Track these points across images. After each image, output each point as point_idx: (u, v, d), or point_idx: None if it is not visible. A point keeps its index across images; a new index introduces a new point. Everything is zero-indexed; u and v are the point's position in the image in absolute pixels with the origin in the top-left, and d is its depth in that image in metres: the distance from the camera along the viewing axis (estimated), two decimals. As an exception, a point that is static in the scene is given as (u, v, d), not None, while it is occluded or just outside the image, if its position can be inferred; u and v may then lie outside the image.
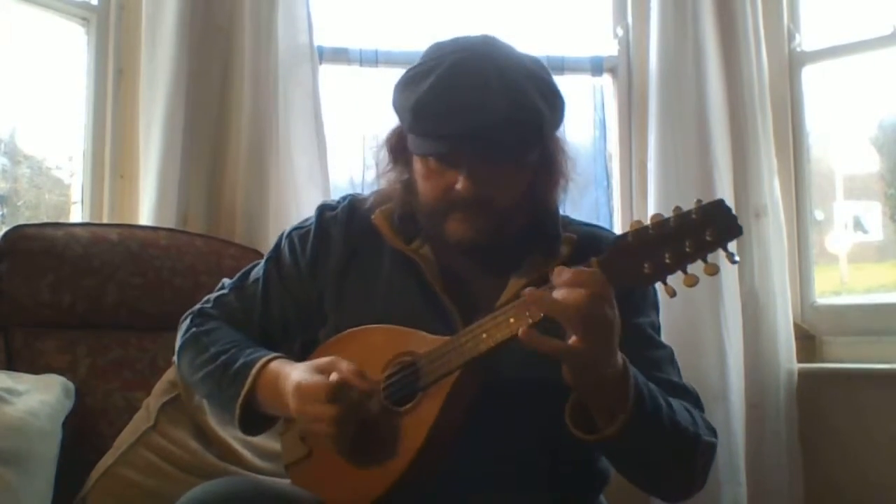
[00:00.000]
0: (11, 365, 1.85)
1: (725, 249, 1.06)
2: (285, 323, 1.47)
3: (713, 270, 1.05)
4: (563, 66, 2.52)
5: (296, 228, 1.49)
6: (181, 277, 2.01)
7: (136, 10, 2.33)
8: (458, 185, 1.25)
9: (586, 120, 2.54)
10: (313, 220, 1.46)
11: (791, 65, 2.56)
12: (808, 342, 2.45)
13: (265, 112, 2.25)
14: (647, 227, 1.08)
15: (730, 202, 2.24)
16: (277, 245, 1.50)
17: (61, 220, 2.28)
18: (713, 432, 1.29)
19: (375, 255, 1.40)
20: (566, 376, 1.13)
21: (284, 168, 2.26)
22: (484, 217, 1.27)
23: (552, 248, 1.32)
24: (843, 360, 2.40)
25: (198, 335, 1.44)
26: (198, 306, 1.51)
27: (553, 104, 1.28)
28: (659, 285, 1.12)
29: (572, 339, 1.08)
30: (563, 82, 2.48)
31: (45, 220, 2.24)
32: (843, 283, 2.69)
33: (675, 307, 2.31)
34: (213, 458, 1.77)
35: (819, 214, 2.61)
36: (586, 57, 2.55)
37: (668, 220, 1.07)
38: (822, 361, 2.43)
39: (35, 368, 1.83)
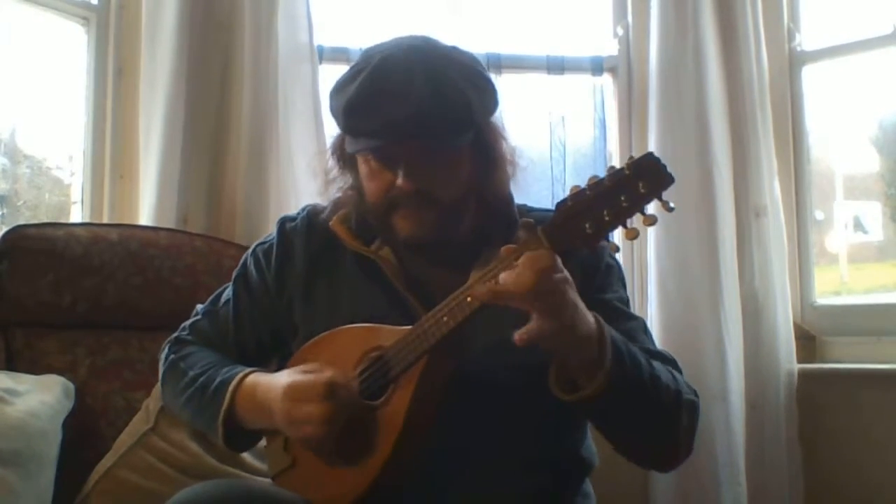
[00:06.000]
0: (11, 365, 1.85)
1: (661, 199, 1.08)
2: (259, 340, 1.48)
3: (651, 221, 1.09)
4: (563, 66, 2.52)
5: (260, 244, 1.51)
6: (181, 277, 2.01)
7: (136, 10, 2.33)
8: (398, 182, 1.28)
9: (586, 120, 2.54)
10: (275, 233, 1.48)
11: (791, 64, 2.56)
12: (808, 342, 2.45)
13: (265, 112, 2.25)
14: (584, 189, 1.11)
15: (730, 202, 2.32)
16: (244, 263, 1.51)
17: (61, 220, 2.28)
18: (694, 393, 1.30)
19: (338, 261, 1.42)
20: (544, 345, 1.14)
21: (284, 168, 2.26)
22: (428, 211, 1.30)
23: (509, 235, 1.32)
24: (842, 360, 2.40)
25: (175, 362, 1.46)
26: (175, 334, 1.53)
27: (482, 89, 1.31)
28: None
29: (534, 320, 1.10)
30: (563, 82, 2.53)
31: (45, 220, 2.24)
32: (843, 283, 2.69)
33: (675, 307, 2.32)
34: (213, 460, 1.77)
35: (819, 214, 2.62)
36: (586, 57, 2.55)
37: (602, 179, 1.10)
38: (822, 361, 2.43)
39: (35, 368, 1.84)
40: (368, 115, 1.27)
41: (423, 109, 1.24)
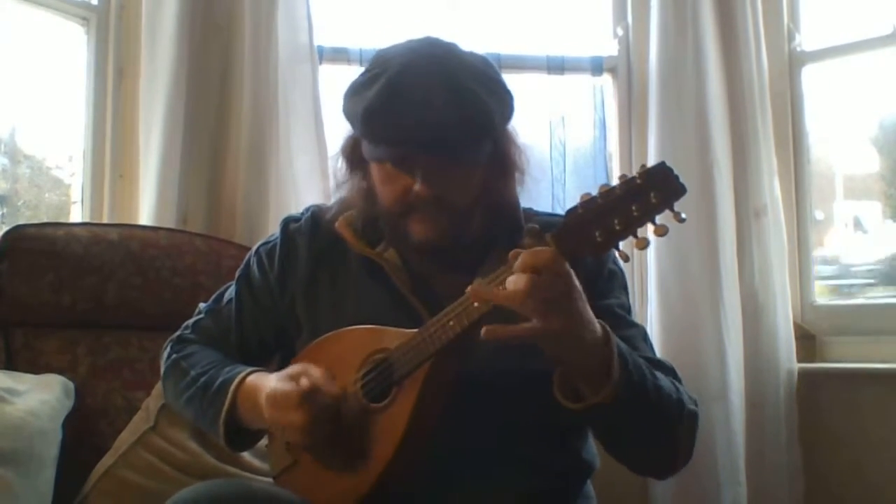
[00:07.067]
0: (11, 364, 1.85)
1: (672, 210, 1.07)
2: (262, 339, 1.49)
3: (661, 232, 1.07)
4: (563, 66, 2.52)
5: (263, 244, 1.51)
6: (181, 277, 2.01)
7: (136, 10, 2.33)
8: (416, 188, 1.27)
9: (586, 120, 2.54)
10: (279, 233, 1.48)
11: (791, 64, 2.56)
12: (807, 342, 2.45)
13: (265, 112, 2.25)
14: (595, 197, 1.10)
15: (730, 202, 2.33)
16: (247, 263, 1.51)
17: (61, 220, 2.28)
18: (694, 402, 1.30)
19: (342, 263, 1.42)
20: (546, 352, 1.14)
21: (284, 168, 2.26)
22: (443, 216, 1.30)
23: (515, 240, 1.32)
24: (842, 359, 2.40)
25: (177, 360, 1.46)
26: (177, 333, 1.53)
27: (500, 98, 1.31)
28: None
29: (533, 322, 1.09)
30: (563, 82, 2.53)
31: (45, 220, 2.24)
32: (843, 283, 2.69)
33: (675, 307, 2.32)
34: (213, 459, 1.77)
35: (819, 214, 2.62)
36: (586, 57, 2.55)
37: (614, 187, 1.08)
38: (822, 361, 2.43)
39: (35, 368, 1.84)
40: (389, 123, 1.26)
41: (445, 120, 1.23)
